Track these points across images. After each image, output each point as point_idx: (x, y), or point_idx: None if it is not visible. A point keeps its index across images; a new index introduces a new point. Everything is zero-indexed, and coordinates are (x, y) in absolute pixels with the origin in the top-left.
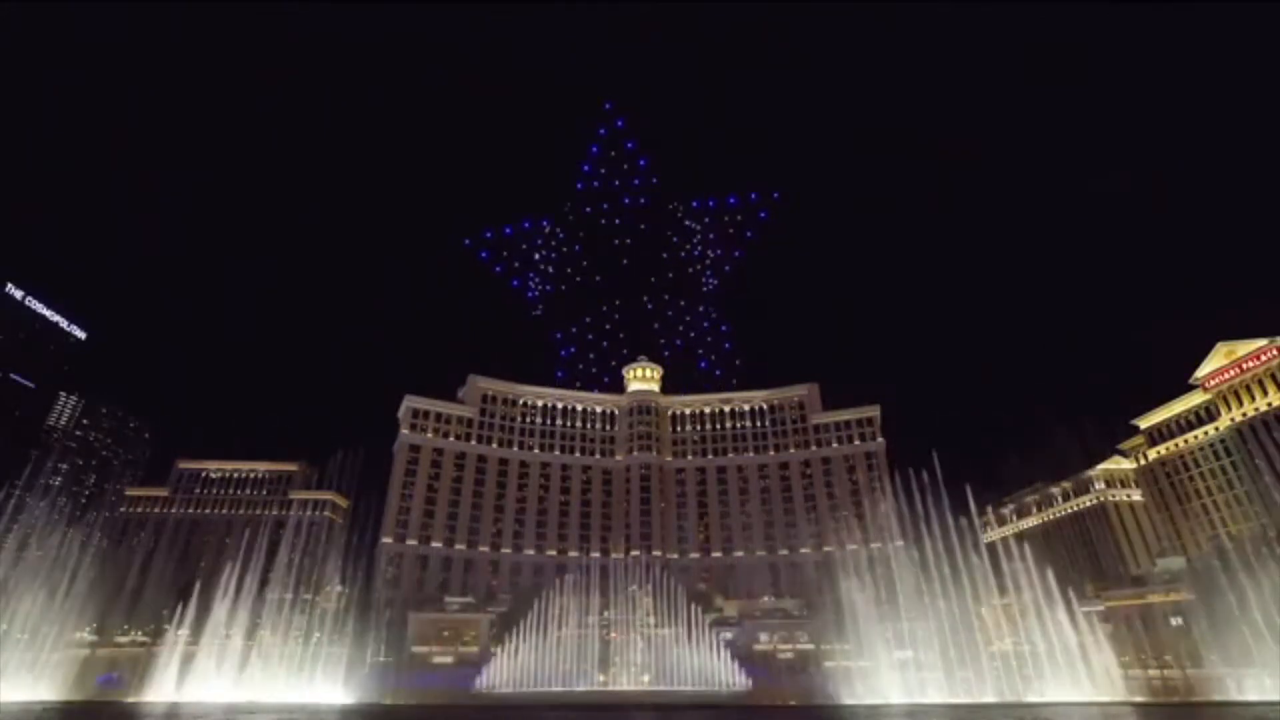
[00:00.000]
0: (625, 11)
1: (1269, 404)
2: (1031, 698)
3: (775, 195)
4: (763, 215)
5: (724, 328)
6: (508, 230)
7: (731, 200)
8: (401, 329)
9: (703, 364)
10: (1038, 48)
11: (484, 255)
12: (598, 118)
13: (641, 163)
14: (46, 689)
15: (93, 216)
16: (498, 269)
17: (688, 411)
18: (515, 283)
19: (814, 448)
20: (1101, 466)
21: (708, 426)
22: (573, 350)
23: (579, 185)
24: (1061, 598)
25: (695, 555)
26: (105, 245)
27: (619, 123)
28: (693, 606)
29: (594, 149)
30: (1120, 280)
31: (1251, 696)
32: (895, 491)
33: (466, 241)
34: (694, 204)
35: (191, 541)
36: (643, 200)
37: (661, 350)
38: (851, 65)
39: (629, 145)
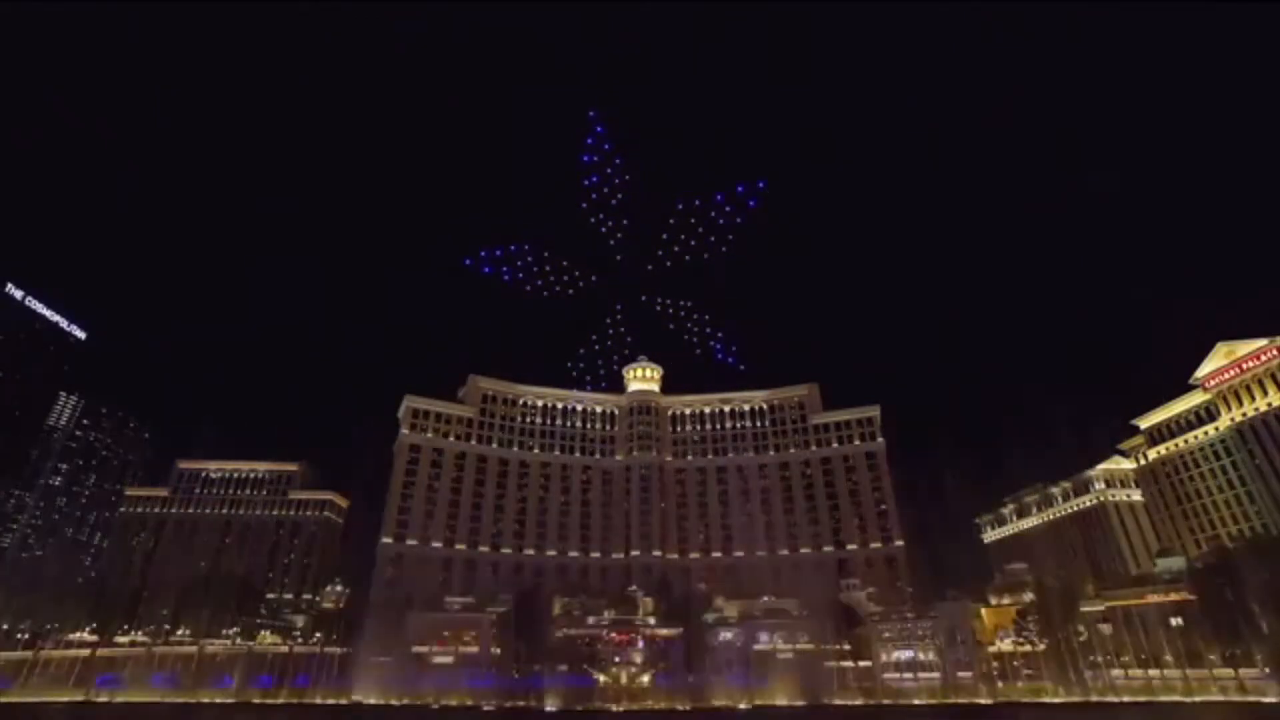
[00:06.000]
0: (621, 13)
1: (1269, 404)
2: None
3: (761, 184)
4: (752, 204)
5: (710, 318)
6: (502, 249)
7: (718, 197)
8: (402, 329)
9: (718, 355)
10: (1034, 44)
11: (486, 270)
12: (585, 126)
13: (628, 163)
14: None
15: (93, 216)
16: (505, 278)
17: (688, 411)
18: (521, 288)
19: (814, 448)
20: (1101, 466)
21: (708, 426)
22: (580, 359)
23: (577, 194)
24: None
25: (695, 555)
26: (105, 245)
27: (599, 129)
28: None
29: (585, 158)
30: (1120, 280)
31: (1253, 696)
32: (895, 491)
33: (466, 261)
34: (679, 205)
35: (192, 541)
36: (635, 202)
37: (661, 350)
38: (848, 62)
39: (612, 147)
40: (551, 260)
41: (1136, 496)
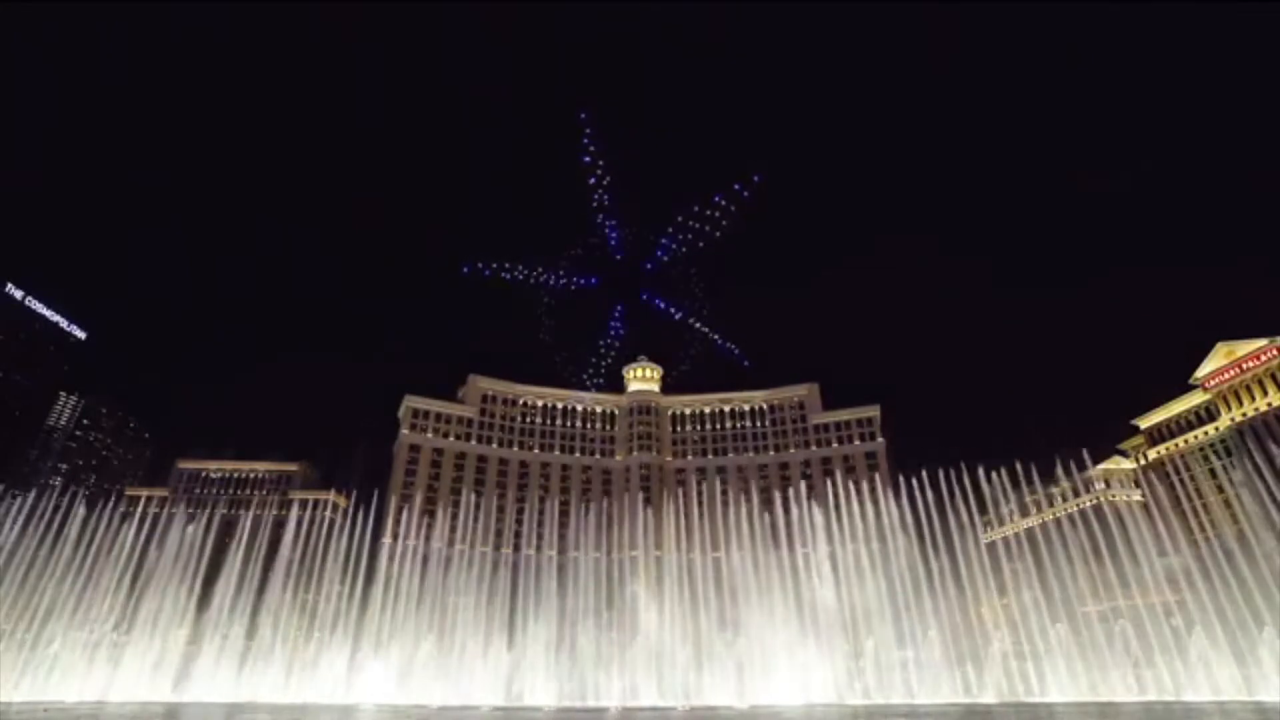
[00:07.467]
0: (621, 12)
1: (1269, 404)
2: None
3: (757, 178)
4: (745, 195)
5: (710, 317)
6: (499, 261)
7: (717, 197)
8: (402, 328)
9: (721, 349)
10: (1034, 45)
11: (486, 273)
12: (580, 130)
13: (628, 164)
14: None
15: (93, 217)
16: (506, 278)
17: (688, 411)
18: (522, 286)
19: (814, 448)
20: (1101, 466)
21: (708, 426)
22: (581, 359)
23: (578, 194)
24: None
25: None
26: (105, 245)
27: (587, 130)
28: None
29: (585, 159)
30: (1120, 280)
31: (1259, 696)
32: (895, 491)
33: (465, 269)
34: (677, 216)
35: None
36: (634, 202)
37: (661, 350)
38: (848, 62)
39: (603, 147)
40: (551, 260)
41: (1136, 496)
